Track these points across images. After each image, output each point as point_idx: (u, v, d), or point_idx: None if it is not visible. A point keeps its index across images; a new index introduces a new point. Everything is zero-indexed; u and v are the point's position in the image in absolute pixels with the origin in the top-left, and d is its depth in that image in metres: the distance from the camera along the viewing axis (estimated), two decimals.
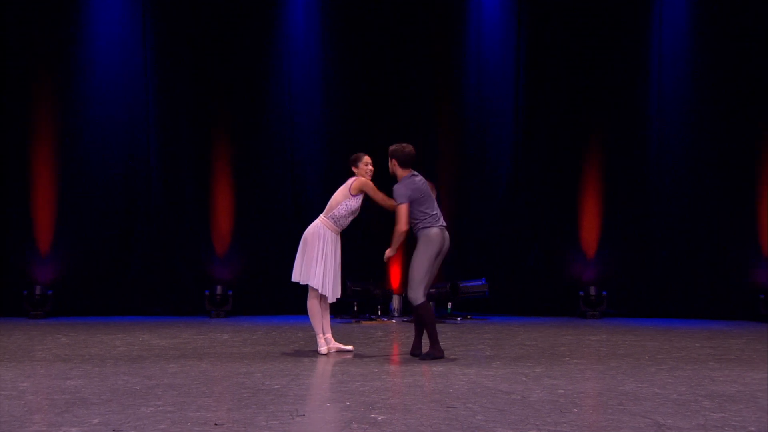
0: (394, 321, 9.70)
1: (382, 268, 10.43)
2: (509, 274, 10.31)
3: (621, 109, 10.28)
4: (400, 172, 6.48)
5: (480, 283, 9.85)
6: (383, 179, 6.92)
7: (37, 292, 9.77)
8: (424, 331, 6.48)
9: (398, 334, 8.51)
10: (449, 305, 9.88)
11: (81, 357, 6.47)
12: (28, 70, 10.02)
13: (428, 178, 10.50)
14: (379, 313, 9.97)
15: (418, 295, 6.33)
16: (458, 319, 9.74)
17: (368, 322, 9.48)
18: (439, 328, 8.95)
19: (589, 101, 10.31)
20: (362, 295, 9.84)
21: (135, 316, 9.91)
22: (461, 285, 9.76)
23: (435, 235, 6.38)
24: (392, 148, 6.54)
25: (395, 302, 10.19)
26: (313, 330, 6.79)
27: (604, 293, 10.01)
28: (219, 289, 10.00)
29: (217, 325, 9.03)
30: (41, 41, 10.02)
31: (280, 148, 10.36)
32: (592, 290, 10.03)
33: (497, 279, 10.10)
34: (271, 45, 10.35)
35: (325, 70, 10.40)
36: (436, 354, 6.38)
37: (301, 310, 10.19)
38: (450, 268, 10.37)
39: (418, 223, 6.41)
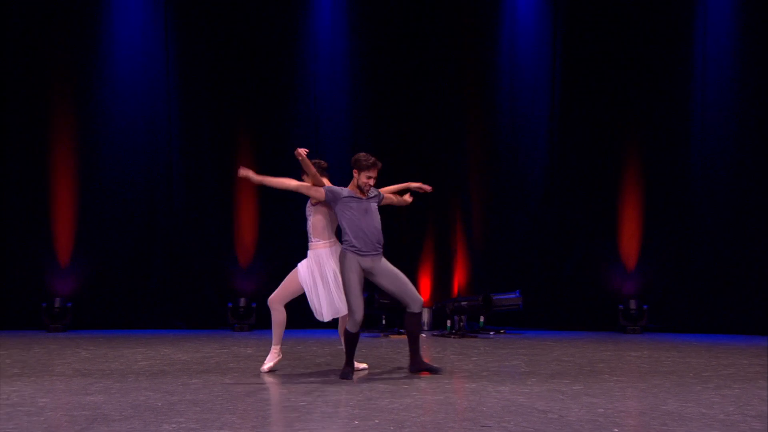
0: (423, 335, 9.67)
1: (411, 280, 10.38)
2: (544, 286, 10.24)
3: (663, 114, 10.18)
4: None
5: (514, 295, 9.79)
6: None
7: (57, 304, 9.88)
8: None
9: (428, 348, 8.49)
10: (481, 319, 9.83)
11: (101, 372, 6.54)
12: (48, 78, 10.17)
13: (457, 185, 10.59)
14: None
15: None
16: (491, 333, 9.70)
17: (397, 336, 9.47)
18: (472, 342, 8.98)
19: (628, 106, 10.23)
20: (391, 308, 9.82)
21: (156, 329, 9.99)
22: (494, 298, 9.71)
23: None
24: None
25: (425, 315, 10.16)
26: (342, 347, 6.78)
27: (645, 307, 9.90)
28: (242, 302, 10.04)
29: (240, 339, 9.08)
30: (62, 48, 10.17)
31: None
32: (633, 304, 9.92)
33: (532, 292, 10.04)
34: (296, 47, 10.41)
35: (352, 72, 10.45)
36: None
37: (327, 325, 10.28)
38: (483, 280, 10.35)
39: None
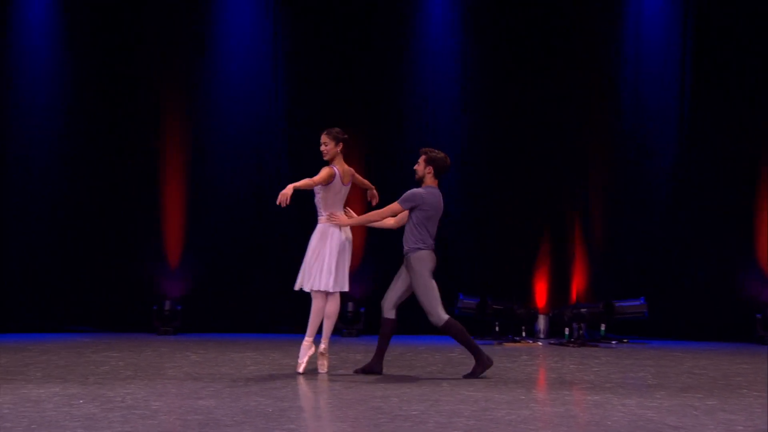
0: (540, 343, 9.52)
1: (526, 285, 10.28)
2: (672, 293, 9.90)
3: None
4: (430, 180, 6.85)
5: (638, 303, 9.54)
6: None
7: (167, 307, 10.21)
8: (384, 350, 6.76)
9: (545, 357, 8.34)
10: (602, 327, 9.61)
11: (212, 376, 6.72)
12: (157, 80, 10.52)
13: (576, 185, 10.35)
14: (524, 334, 9.82)
15: (440, 315, 6.57)
16: (613, 342, 9.46)
17: (511, 344, 9.35)
18: (592, 351, 8.77)
19: (766, 105, 9.77)
20: (504, 314, 9.73)
21: (263, 333, 10.20)
22: (617, 305, 9.48)
23: (427, 255, 6.69)
24: (433, 155, 6.83)
25: (541, 323, 10.00)
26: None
27: None
28: (350, 306, 10.12)
29: (348, 345, 9.16)
30: (170, 50, 10.52)
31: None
32: None
33: (658, 298, 9.71)
34: (407, 47, 10.41)
35: (465, 72, 10.37)
36: (481, 369, 6.59)
37: (436, 331, 10.24)
38: (603, 286, 10.09)
39: (411, 243, 6.74)
